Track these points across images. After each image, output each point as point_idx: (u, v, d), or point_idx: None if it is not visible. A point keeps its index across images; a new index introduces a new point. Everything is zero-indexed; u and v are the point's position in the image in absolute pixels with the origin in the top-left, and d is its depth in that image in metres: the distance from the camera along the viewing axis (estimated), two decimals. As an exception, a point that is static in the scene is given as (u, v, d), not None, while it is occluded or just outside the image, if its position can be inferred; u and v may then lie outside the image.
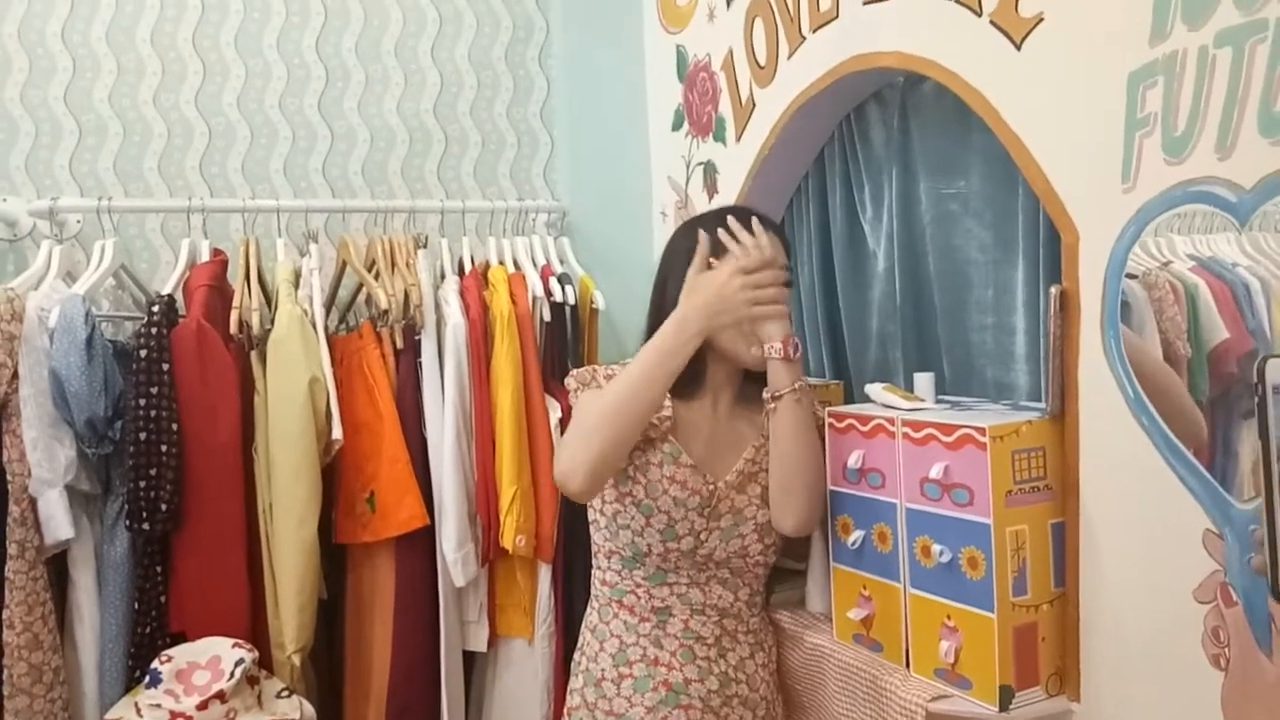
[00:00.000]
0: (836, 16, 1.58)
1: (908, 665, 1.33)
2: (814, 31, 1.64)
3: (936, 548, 1.25)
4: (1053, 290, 1.20)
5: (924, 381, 1.43)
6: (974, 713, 1.22)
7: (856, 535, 1.39)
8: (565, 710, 1.55)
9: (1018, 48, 1.25)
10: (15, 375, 1.70)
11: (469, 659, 2.06)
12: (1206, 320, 1.10)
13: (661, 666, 1.45)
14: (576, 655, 1.56)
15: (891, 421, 1.33)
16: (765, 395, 1.41)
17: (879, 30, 1.49)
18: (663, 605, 1.46)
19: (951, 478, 1.23)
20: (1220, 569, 1.04)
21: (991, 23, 1.28)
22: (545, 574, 2.01)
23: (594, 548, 1.54)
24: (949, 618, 1.25)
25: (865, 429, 1.38)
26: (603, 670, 1.48)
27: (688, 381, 1.47)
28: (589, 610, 1.56)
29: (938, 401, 1.43)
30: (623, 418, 1.35)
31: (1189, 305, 1.11)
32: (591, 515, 1.53)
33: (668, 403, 1.44)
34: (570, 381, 1.53)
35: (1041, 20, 1.21)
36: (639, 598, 1.47)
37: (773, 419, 1.41)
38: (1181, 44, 1.05)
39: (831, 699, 1.43)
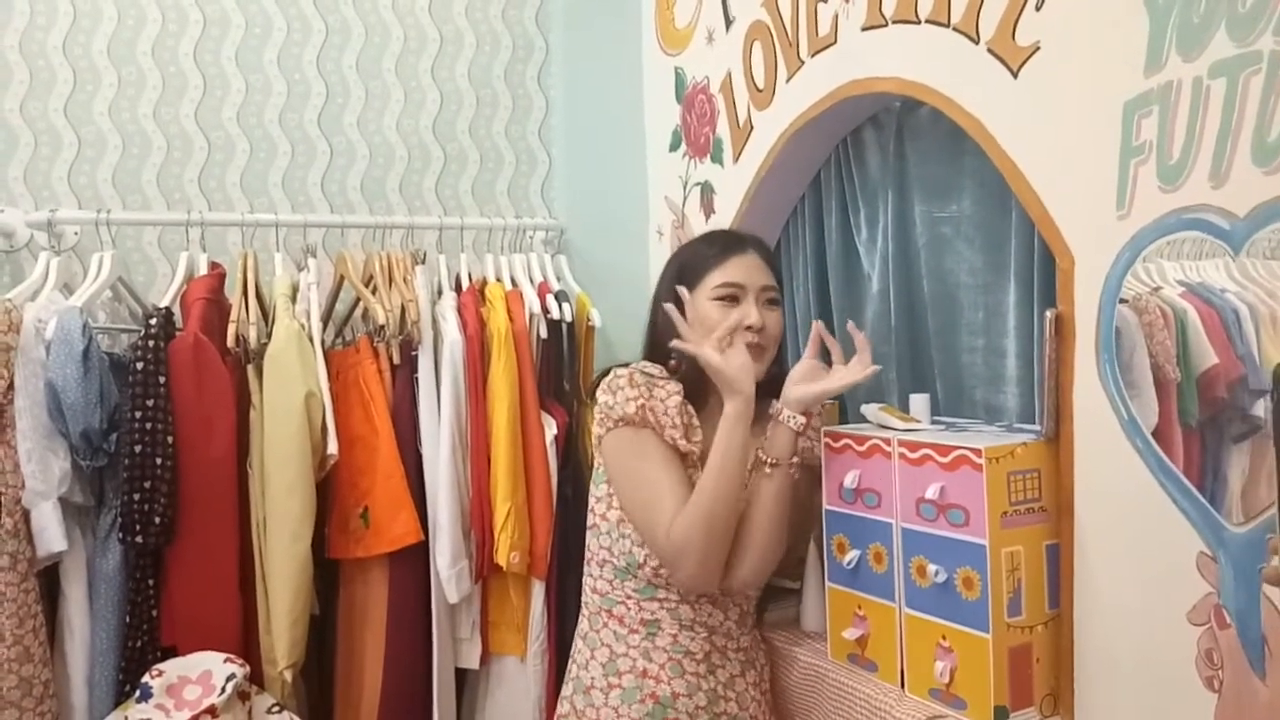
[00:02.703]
0: (835, 42, 1.60)
1: (903, 685, 1.33)
2: (812, 56, 1.66)
3: (932, 568, 1.26)
4: (1048, 314, 1.22)
5: (920, 402, 1.45)
6: (968, 733, 1.22)
7: (852, 555, 1.39)
8: (555, 716, 1.55)
9: (1014, 75, 1.27)
10: (11, 386, 1.70)
11: (461, 676, 2.05)
12: (1196, 345, 1.11)
13: (650, 679, 1.45)
14: (569, 663, 1.56)
15: (888, 442, 1.34)
16: (761, 455, 1.41)
17: (877, 56, 1.51)
18: (652, 618, 1.47)
19: (947, 498, 1.24)
20: (1214, 591, 1.05)
21: (989, 50, 1.30)
22: (539, 591, 2.01)
23: (588, 554, 1.54)
24: (944, 638, 1.26)
25: (861, 449, 1.38)
26: (592, 678, 1.48)
27: (696, 394, 1.49)
28: (580, 618, 1.56)
29: (933, 422, 1.44)
30: (727, 522, 1.38)
31: (1178, 330, 1.12)
32: (592, 520, 1.53)
33: (700, 433, 1.47)
34: (601, 408, 1.49)
35: (1038, 49, 1.23)
36: (628, 609, 1.48)
37: (760, 478, 1.41)
38: (1176, 74, 1.07)
39: (826, 719, 1.43)
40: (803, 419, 1.39)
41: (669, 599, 1.46)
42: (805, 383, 1.42)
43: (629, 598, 1.47)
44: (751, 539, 1.42)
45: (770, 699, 1.55)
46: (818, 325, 1.47)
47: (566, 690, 1.53)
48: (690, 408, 1.48)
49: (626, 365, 1.52)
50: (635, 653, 1.46)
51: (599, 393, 1.49)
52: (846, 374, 1.40)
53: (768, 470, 1.40)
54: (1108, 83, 1.14)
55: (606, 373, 1.52)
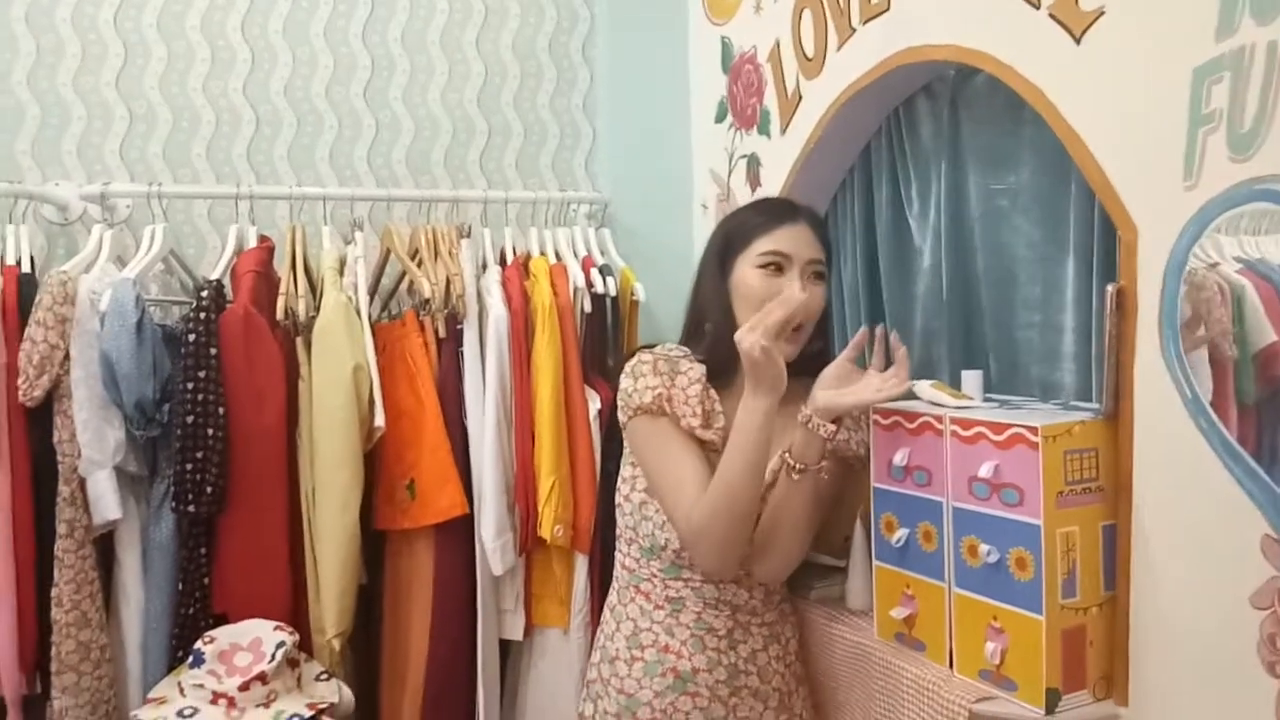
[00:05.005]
0: (888, 9, 1.56)
1: (951, 665, 1.31)
2: (864, 23, 1.62)
3: (984, 548, 1.24)
4: (1109, 288, 1.18)
5: (972, 379, 1.42)
6: (1019, 715, 1.20)
7: (901, 533, 1.37)
8: (585, 681, 1.60)
9: (1077, 41, 1.22)
10: (67, 357, 1.73)
11: (504, 647, 2.07)
12: (1253, 322, 1.08)
13: (671, 654, 1.46)
14: (598, 633, 1.59)
15: (939, 419, 1.31)
16: (790, 460, 1.37)
17: (932, 23, 1.47)
18: (677, 596, 1.47)
19: (1001, 477, 1.21)
20: (1279, 575, 1.02)
21: (1050, 16, 1.26)
22: (582, 565, 2.01)
23: (618, 531, 1.56)
24: (995, 619, 1.24)
25: (912, 426, 1.36)
26: (617, 649, 1.50)
27: (722, 372, 1.47)
28: (611, 591, 1.59)
29: (985, 400, 1.41)
30: (747, 510, 1.36)
31: (1235, 307, 1.09)
32: (618, 500, 1.54)
33: (722, 418, 1.45)
34: (622, 394, 1.48)
35: (1103, 14, 1.19)
36: (654, 586, 1.49)
37: (787, 482, 1.38)
38: (1250, 39, 1.02)
39: (872, 698, 1.42)
40: (832, 427, 1.36)
41: (694, 578, 1.47)
42: (836, 388, 1.38)
43: (655, 575, 1.48)
44: (777, 540, 1.42)
45: (799, 669, 1.55)
46: (865, 333, 1.42)
47: (595, 658, 1.57)
48: (712, 391, 1.47)
49: (653, 348, 1.51)
50: (659, 628, 1.47)
51: (622, 377, 1.50)
52: (881, 388, 1.35)
53: (795, 477, 1.37)
54: (1176, 48, 1.10)
55: (633, 354, 1.52)
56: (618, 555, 1.56)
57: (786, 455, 1.38)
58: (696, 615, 1.46)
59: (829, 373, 1.40)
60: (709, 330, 1.51)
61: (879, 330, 1.42)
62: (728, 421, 1.44)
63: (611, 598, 1.56)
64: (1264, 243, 1.06)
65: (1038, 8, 1.27)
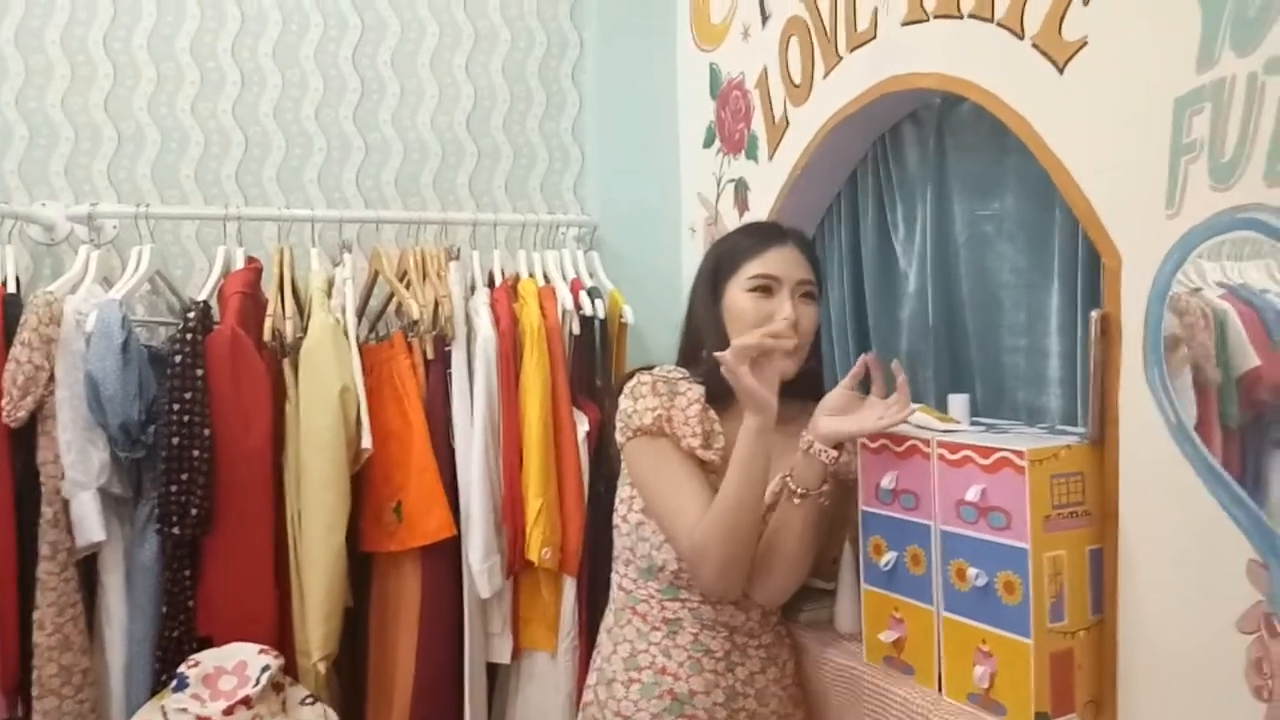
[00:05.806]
0: (874, 37, 1.59)
1: (940, 689, 1.31)
2: (851, 51, 1.64)
3: (972, 571, 1.24)
4: (1094, 315, 1.20)
5: (959, 403, 1.42)
6: (1007, 739, 1.21)
7: (889, 557, 1.38)
8: (581, 704, 1.58)
9: (1060, 71, 1.24)
10: (52, 378, 1.72)
11: (492, 671, 2.06)
12: (1236, 346, 1.09)
13: (669, 676, 1.45)
14: (594, 654, 1.58)
15: (926, 443, 1.32)
16: (791, 485, 1.38)
17: (918, 51, 1.49)
18: (674, 618, 1.47)
19: (989, 501, 1.22)
20: (1265, 600, 1.03)
21: (1034, 45, 1.28)
22: (570, 587, 2.01)
23: (614, 552, 1.55)
24: (984, 642, 1.24)
25: (899, 449, 1.37)
26: (614, 672, 1.49)
27: (721, 395, 1.48)
28: (607, 612, 1.57)
29: (972, 424, 1.42)
30: (749, 530, 1.37)
31: (1218, 331, 1.10)
32: (615, 520, 1.54)
33: (722, 439, 1.45)
34: (621, 415, 1.48)
35: (1085, 44, 1.21)
36: (651, 607, 1.48)
37: (788, 506, 1.39)
38: (1230, 70, 1.04)
39: (861, 721, 1.42)
40: (834, 453, 1.36)
41: (691, 599, 1.47)
42: (839, 415, 1.38)
43: (652, 597, 1.48)
44: (777, 562, 1.42)
45: (797, 692, 1.55)
46: (867, 358, 1.42)
47: (591, 679, 1.56)
48: (712, 412, 1.47)
49: (651, 369, 1.52)
50: (655, 650, 1.47)
51: (621, 398, 1.50)
52: (884, 416, 1.35)
53: (796, 501, 1.38)
54: (1158, 79, 1.12)
55: (631, 375, 1.52)
56: (614, 576, 1.56)
57: (788, 479, 1.38)
58: (694, 637, 1.46)
59: (831, 400, 1.40)
60: (705, 355, 1.51)
61: (877, 358, 1.42)
62: (727, 443, 1.45)
63: (608, 619, 1.56)
64: (1245, 268, 1.07)
65: (1021, 37, 1.30)
